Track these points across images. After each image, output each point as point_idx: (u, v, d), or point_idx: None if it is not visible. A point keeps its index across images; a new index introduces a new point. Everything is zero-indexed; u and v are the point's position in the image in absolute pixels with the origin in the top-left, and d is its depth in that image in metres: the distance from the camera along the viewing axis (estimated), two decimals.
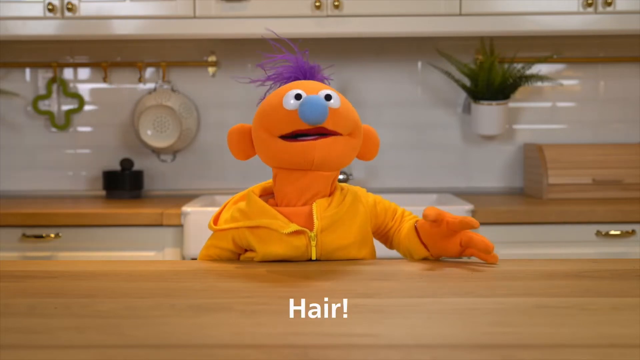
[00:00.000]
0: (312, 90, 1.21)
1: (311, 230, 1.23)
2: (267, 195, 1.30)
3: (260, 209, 1.24)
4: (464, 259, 1.29)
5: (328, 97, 1.20)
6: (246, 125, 1.28)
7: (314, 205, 1.23)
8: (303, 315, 0.92)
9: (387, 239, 1.37)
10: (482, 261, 1.26)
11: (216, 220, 1.31)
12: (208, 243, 1.33)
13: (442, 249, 1.26)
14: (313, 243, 1.23)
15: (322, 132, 1.19)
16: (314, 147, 1.19)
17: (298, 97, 1.19)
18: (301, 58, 1.28)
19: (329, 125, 1.18)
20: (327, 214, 1.23)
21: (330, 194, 1.27)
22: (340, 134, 1.21)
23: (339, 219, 1.24)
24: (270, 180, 1.30)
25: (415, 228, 1.28)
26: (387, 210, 1.34)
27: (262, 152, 1.25)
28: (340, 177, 2.82)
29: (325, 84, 1.27)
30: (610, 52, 2.94)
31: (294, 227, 1.21)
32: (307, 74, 1.28)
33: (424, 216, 1.23)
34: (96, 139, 2.99)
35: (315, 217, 1.22)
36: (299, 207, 1.24)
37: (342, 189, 1.29)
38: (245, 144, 1.28)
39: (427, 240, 1.26)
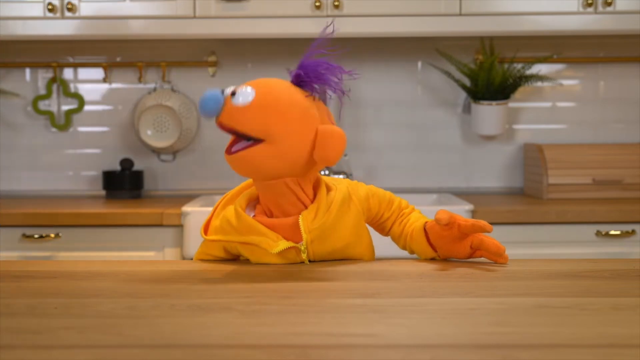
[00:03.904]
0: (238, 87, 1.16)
1: (300, 242, 1.21)
2: (254, 201, 1.27)
3: (248, 226, 1.21)
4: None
5: (233, 94, 1.14)
6: None
7: (300, 218, 1.19)
8: (303, 315, 0.92)
9: (383, 229, 1.35)
10: (488, 260, 1.26)
11: (206, 227, 1.29)
12: (200, 250, 1.32)
13: (452, 251, 1.25)
14: (303, 256, 1.21)
15: (236, 133, 1.15)
16: (230, 161, 1.17)
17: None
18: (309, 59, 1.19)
19: (224, 120, 1.14)
20: (314, 225, 1.20)
21: (315, 199, 1.23)
22: (248, 135, 1.14)
23: (329, 227, 1.21)
24: (253, 186, 1.28)
25: (425, 230, 1.27)
26: (382, 202, 1.32)
27: None
28: (340, 176, 2.82)
29: (329, 82, 1.19)
30: (610, 52, 2.94)
31: (282, 245, 1.19)
32: (309, 74, 1.19)
33: (437, 220, 1.20)
34: (96, 139, 2.99)
35: (302, 230, 1.19)
36: (286, 219, 1.21)
37: (328, 189, 1.24)
38: None
39: (437, 242, 1.25)
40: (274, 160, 1.15)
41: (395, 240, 1.34)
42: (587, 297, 1.01)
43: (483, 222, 1.20)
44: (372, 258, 1.32)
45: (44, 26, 2.62)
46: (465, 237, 1.23)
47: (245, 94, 1.13)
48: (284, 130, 1.14)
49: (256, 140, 1.14)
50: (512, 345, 0.80)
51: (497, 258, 1.24)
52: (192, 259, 1.37)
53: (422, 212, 1.37)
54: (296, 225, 1.20)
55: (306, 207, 1.22)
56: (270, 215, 1.24)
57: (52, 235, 2.42)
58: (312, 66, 1.17)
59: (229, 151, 1.17)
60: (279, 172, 1.17)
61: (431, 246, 1.27)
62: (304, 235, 1.20)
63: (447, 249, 1.25)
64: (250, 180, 1.29)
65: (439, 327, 0.87)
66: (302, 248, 1.21)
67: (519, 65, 2.81)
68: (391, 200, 1.34)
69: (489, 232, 1.20)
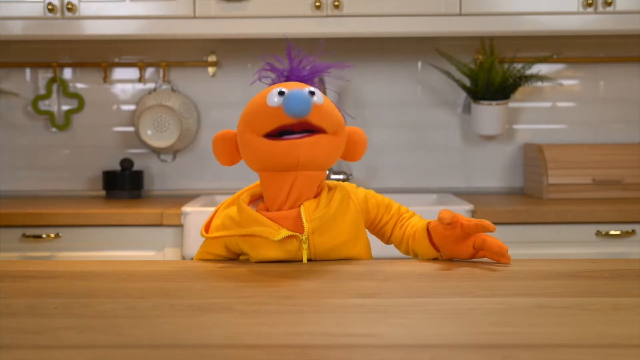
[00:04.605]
0: (296, 88, 1.21)
1: (301, 233, 1.22)
2: (257, 199, 1.30)
3: (250, 217, 1.23)
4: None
5: (312, 93, 1.20)
6: (231, 131, 1.29)
7: (302, 207, 1.22)
8: (303, 315, 0.92)
9: (383, 234, 1.36)
10: (489, 260, 1.26)
11: (207, 227, 1.30)
12: (201, 250, 1.33)
13: (454, 251, 1.25)
14: (304, 246, 1.23)
15: (307, 129, 1.19)
16: (298, 146, 1.18)
17: (281, 93, 1.18)
18: (293, 59, 1.28)
19: (313, 119, 1.18)
20: (315, 215, 1.23)
21: (318, 195, 1.26)
22: (325, 132, 1.20)
23: (329, 219, 1.24)
24: (259, 184, 1.30)
25: (427, 230, 1.28)
26: (380, 206, 1.33)
27: (247, 155, 1.25)
28: (340, 177, 2.82)
29: (316, 83, 1.28)
30: (610, 52, 2.94)
31: (284, 233, 1.21)
32: (296, 74, 1.28)
33: (440, 219, 1.21)
34: (96, 139, 2.99)
35: (304, 219, 1.22)
36: (288, 211, 1.23)
37: (329, 188, 1.28)
38: (230, 149, 1.28)
39: (440, 242, 1.26)
40: (336, 151, 1.25)
41: (397, 244, 1.35)
42: (587, 297, 1.01)
43: (486, 222, 1.20)
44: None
45: (44, 26, 2.62)
46: (468, 237, 1.23)
47: (319, 94, 1.21)
48: (342, 127, 1.26)
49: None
50: (512, 345, 0.80)
51: (499, 258, 1.24)
52: (192, 259, 1.37)
53: (422, 213, 1.37)
54: (297, 218, 1.22)
55: None
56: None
57: (52, 235, 2.42)
58: (298, 70, 1.28)
59: (279, 138, 1.20)
60: (329, 163, 1.25)
61: (434, 246, 1.27)
62: (306, 225, 1.21)
63: (450, 249, 1.25)
64: (253, 184, 1.31)
65: (439, 327, 0.87)
66: (304, 238, 1.22)
67: (519, 65, 2.81)
68: (390, 204, 1.35)
69: (492, 231, 1.20)
